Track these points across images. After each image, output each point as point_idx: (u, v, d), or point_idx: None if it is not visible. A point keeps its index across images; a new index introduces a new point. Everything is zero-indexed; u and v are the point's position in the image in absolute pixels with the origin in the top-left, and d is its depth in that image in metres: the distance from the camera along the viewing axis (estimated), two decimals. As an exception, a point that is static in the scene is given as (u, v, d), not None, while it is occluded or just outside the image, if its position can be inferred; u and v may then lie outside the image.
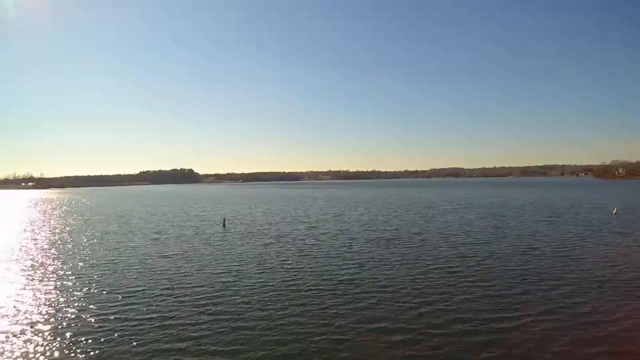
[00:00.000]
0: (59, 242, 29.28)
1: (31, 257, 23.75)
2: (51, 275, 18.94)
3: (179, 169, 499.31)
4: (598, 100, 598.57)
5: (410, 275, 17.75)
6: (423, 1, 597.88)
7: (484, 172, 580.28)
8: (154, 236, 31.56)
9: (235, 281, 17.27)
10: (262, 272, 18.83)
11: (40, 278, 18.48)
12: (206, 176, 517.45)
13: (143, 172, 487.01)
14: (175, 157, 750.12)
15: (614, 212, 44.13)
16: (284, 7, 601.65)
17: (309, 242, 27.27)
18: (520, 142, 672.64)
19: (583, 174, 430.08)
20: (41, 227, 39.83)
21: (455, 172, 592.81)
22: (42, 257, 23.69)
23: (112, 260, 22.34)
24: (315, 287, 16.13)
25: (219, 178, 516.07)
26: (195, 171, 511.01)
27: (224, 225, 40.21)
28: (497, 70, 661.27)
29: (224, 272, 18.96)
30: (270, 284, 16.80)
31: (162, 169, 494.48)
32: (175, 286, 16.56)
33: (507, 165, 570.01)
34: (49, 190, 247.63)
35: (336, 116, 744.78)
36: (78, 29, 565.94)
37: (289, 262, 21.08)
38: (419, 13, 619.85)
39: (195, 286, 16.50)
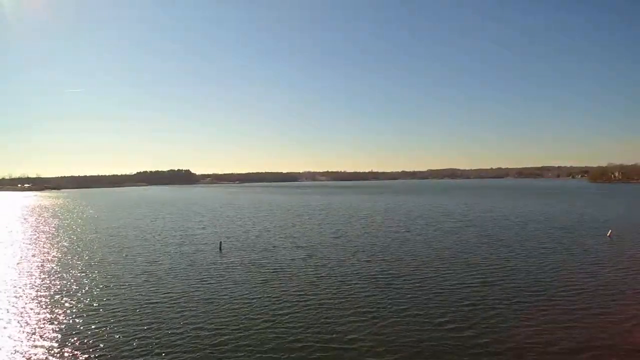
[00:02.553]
0: (45, 277, 28.48)
1: (8, 298, 23.01)
2: (28, 327, 18.11)
3: (176, 169, 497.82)
4: (596, 101, 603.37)
5: (406, 331, 17.21)
6: (422, 2, 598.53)
7: (480, 173, 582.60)
8: (148, 268, 30.90)
9: (228, 337, 16.73)
10: (257, 325, 18.15)
11: (15, 330, 17.79)
12: (204, 177, 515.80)
13: (140, 172, 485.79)
14: (173, 156, 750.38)
15: (608, 234, 44.15)
16: (283, 7, 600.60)
17: (305, 278, 26.72)
18: (517, 143, 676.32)
19: (579, 176, 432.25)
20: (26, 252, 39.09)
21: (452, 173, 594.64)
22: (20, 297, 22.88)
23: (102, 305, 21.59)
24: (309, 348, 15.70)
25: (216, 179, 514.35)
26: (192, 172, 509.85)
27: (220, 249, 39.86)
28: (496, 70, 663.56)
29: (218, 327, 18.27)
30: (265, 341, 16.31)
31: (160, 170, 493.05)
32: (167, 344, 16.02)
33: (503, 167, 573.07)
34: (44, 193, 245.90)
35: (334, 116, 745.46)
36: (76, 29, 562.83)
37: (285, 308, 20.55)
38: (417, 13, 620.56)
39: (188, 342, 15.98)
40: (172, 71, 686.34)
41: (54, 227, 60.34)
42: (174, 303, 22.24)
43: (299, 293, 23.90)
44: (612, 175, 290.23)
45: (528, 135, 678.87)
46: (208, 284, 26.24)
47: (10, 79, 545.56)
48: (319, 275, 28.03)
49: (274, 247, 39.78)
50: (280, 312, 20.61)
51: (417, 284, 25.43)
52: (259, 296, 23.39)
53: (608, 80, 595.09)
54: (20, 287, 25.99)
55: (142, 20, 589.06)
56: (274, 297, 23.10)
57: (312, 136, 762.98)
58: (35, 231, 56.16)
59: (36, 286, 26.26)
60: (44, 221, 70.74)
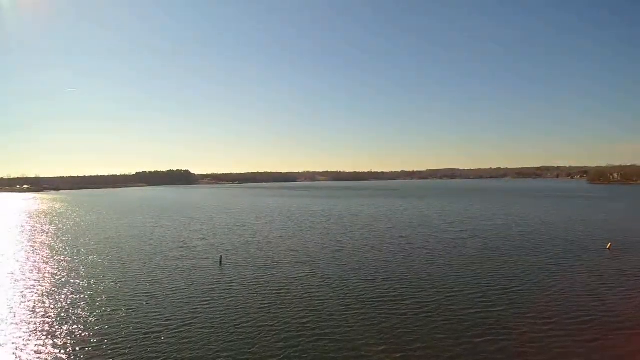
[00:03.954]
0: (39, 299, 28.03)
1: None
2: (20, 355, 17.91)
3: (175, 169, 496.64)
4: (596, 101, 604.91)
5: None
6: (422, 2, 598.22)
7: (479, 173, 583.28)
8: (147, 288, 30.40)
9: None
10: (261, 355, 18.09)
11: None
12: (202, 177, 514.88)
13: (139, 172, 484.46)
14: (172, 156, 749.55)
15: (608, 246, 44.18)
16: (283, 8, 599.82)
17: (309, 300, 26.35)
18: (517, 143, 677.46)
19: (578, 177, 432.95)
20: (20, 268, 38.54)
21: (451, 173, 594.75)
22: (11, 323, 22.32)
23: (98, 333, 21.09)
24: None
25: (215, 179, 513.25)
26: (191, 172, 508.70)
27: (220, 263, 39.70)
28: (496, 70, 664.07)
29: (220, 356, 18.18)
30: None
31: (158, 170, 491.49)
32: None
33: (503, 167, 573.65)
34: (42, 195, 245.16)
35: (334, 116, 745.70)
36: (76, 29, 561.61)
37: (288, 334, 20.04)
38: (417, 14, 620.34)
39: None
40: (172, 71, 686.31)
41: (50, 238, 59.58)
42: (174, 330, 21.78)
43: (302, 318, 23.52)
44: (611, 177, 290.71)
45: (528, 135, 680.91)
46: (209, 308, 25.75)
47: (10, 79, 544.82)
48: (322, 297, 27.67)
49: (275, 262, 39.38)
50: (283, 339, 20.32)
51: (421, 305, 25.08)
52: (262, 323, 22.92)
53: (608, 81, 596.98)
54: (10, 311, 25.46)
55: (142, 20, 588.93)
56: (277, 324, 22.65)
57: (311, 136, 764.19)
58: (31, 243, 55.37)
59: (29, 310, 25.72)
60: (41, 230, 70.16)
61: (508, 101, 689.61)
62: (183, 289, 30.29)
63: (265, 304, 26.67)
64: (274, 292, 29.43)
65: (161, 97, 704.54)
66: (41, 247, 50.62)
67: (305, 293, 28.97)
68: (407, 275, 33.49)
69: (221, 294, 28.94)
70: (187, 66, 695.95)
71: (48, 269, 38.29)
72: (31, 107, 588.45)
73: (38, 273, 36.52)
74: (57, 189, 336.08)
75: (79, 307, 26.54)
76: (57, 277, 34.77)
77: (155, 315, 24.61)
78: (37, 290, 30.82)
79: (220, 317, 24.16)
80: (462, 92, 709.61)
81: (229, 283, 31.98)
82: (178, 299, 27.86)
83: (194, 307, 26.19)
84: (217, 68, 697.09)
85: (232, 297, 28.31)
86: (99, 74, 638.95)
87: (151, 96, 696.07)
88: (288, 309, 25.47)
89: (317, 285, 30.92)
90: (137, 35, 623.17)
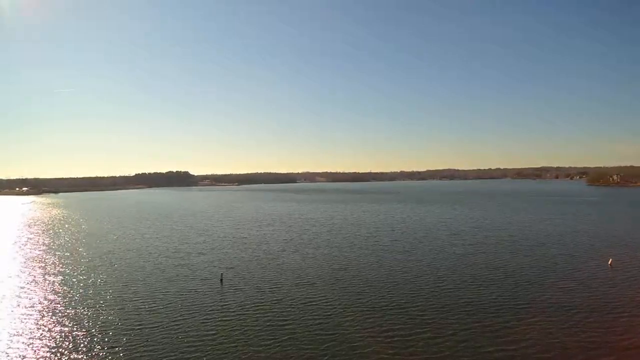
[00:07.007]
0: (31, 324, 27.75)
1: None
2: None
3: (174, 171, 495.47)
4: (596, 100, 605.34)
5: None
6: (422, 3, 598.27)
7: (479, 174, 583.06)
8: (146, 318, 30.02)
9: None
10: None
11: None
12: (202, 178, 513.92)
13: (139, 174, 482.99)
14: (172, 157, 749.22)
15: (609, 263, 44.18)
16: (283, 9, 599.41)
17: (311, 328, 26.07)
18: (517, 143, 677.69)
19: (578, 177, 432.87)
20: (13, 290, 38.28)
21: (451, 174, 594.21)
22: None
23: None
24: None
25: (215, 180, 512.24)
26: (191, 173, 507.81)
27: (221, 281, 39.58)
28: (496, 70, 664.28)
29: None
30: None
31: (158, 171, 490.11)
32: None
33: (502, 167, 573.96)
34: (42, 198, 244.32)
35: (333, 117, 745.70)
36: (75, 29, 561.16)
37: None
38: (417, 14, 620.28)
39: None
40: (172, 71, 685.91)
41: (46, 255, 58.35)
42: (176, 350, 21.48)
43: (305, 348, 23.28)
44: (611, 178, 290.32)
45: (527, 135, 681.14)
46: (212, 341, 25.36)
47: (10, 80, 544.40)
48: (328, 326, 27.37)
49: (278, 283, 39.05)
50: None
51: (427, 330, 24.64)
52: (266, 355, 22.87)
53: (608, 81, 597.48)
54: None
55: (142, 20, 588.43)
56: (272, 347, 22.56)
57: (311, 136, 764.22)
58: (26, 260, 54.22)
59: (22, 342, 25.27)
60: (37, 243, 69.16)
61: (508, 101, 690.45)
62: (184, 318, 29.80)
63: (269, 332, 26.34)
64: (278, 318, 29.15)
65: (161, 97, 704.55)
66: (35, 266, 49.64)
67: (313, 323, 28.51)
68: (413, 299, 33.17)
69: (223, 322, 28.56)
70: (187, 66, 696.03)
71: (40, 292, 37.54)
72: (31, 107, 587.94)
73: (30, 298, 35.83)
74: (56, 191, 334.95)
75: (70, 340, 26.14)
76: (50, 302, 34.21)
77: (155, 350, 24.24)
78: (29, 318, 30.35)
79: (224, 350, 23.89)
80: (462, 92, 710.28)
81: (231, 309, 31.56)
82: (179, 330, 27.41)
83: (196, 339, 25.78)
84: (217, 68, 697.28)
85: (234, 327, 27.87)
86: (98, 74, 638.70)
87: (151, 96, 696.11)
88: (294, 341, 25.13)
89: (322, 312, 30.61)
90: (137, 35, 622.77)
